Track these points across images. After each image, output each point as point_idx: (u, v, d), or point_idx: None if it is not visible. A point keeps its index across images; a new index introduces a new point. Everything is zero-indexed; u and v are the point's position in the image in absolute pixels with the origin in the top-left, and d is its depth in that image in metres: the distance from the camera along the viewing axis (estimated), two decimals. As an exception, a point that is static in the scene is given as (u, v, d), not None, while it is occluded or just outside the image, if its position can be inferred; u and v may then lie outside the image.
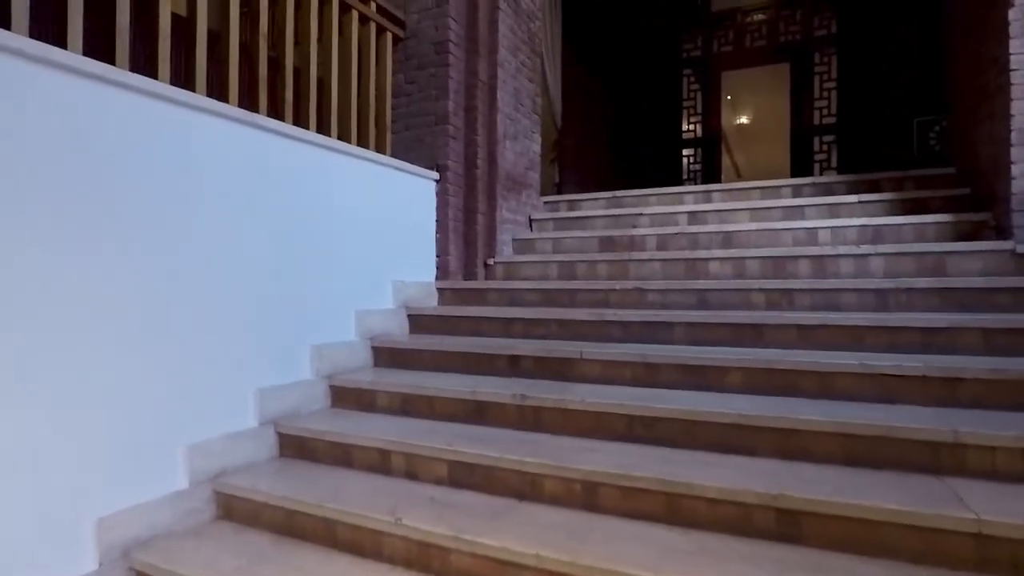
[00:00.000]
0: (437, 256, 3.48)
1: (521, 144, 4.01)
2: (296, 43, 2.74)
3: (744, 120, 9.22)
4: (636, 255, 3.37)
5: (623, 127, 7.21)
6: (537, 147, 4.32)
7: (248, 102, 2.45)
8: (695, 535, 1.63)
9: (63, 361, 1.67)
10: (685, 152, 7.14)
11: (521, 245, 3.93)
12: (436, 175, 3.39)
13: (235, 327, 2.21)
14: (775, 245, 3.22)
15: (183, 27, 2.21)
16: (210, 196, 2.12)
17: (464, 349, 2.71)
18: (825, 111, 6.26)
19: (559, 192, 5.93)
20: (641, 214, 3.89)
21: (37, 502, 1.60)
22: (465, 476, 2.00)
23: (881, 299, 2.51)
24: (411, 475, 2.10)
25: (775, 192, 3.85)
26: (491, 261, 3.68)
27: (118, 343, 1.81)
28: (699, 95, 7.06)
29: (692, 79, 7.09)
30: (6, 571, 1.52)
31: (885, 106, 5.74)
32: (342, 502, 1.87)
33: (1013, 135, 2.55)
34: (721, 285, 2.82)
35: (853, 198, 3.35)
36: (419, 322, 3.19)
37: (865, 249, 2.82)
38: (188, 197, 2.04)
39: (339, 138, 2.95)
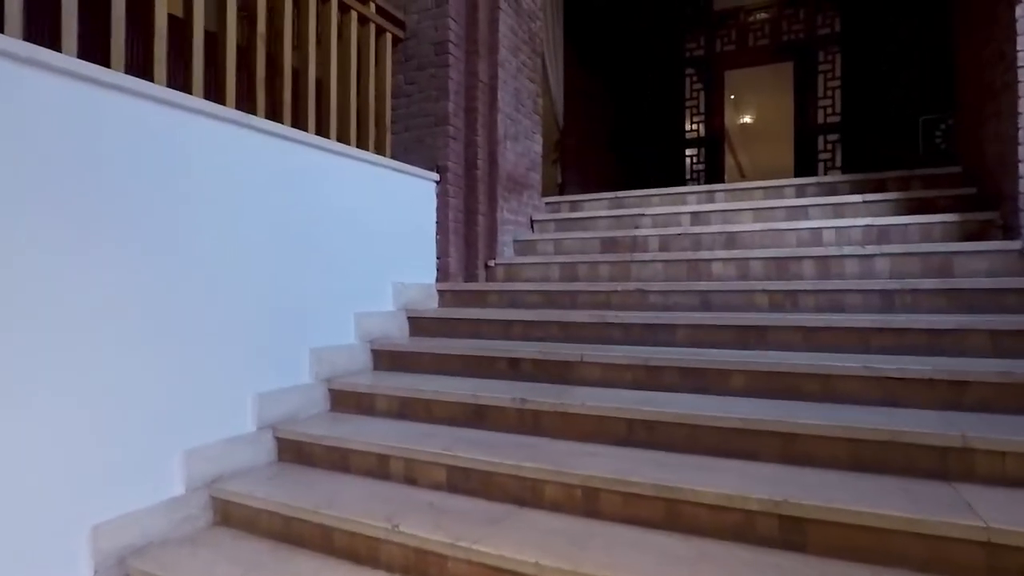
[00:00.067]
0: (437, 258, 3.45)
1: (522, 145, 3.99)
2: (295, 45, 2.72)
3: (748, 120, 9.16)
4: (638, 256, 3.33)
5: (626, 127, 7.18)
6: (538, 147, 4.30)
7: (246, 104, 2.44)
8: (697, 542, 1.60)
9: (57, 364, 1.65)
10: (688, 152, 7.10)
11: (522, 246, 3.91)
12: (436, 176, 3.37)
13: (233, 330, 2.20)
14: (779, 246, 3.18)
15: (180, 28, 2.20)
16: (206, 199, 2.10)
17: (464, 352, 2.69)
18: (829, 110, 6.21)
19: (562, 193, 5.90)
20: (643, 215, 3.86)
21: (31, 510, 1.58)
22: (464, 481, 1.98)
23: (887, 300, 2.48)
24: (409, 480, 2.08)
25: (778, 192, 3.81)
26: (492, 262, 3.65)
27: (114, 346, 1.80)
28: (702, 95, 7.02)
29: (695, 79, 7.05)
30: (-1, 579, 1.51)
31: (890, 104, 5.69)
32: (339, 508, 1.85)
33: (1021, 133, 2.51)
34: (724, 287, 2.78)
35: (858, 198, 3.31)
36: (419, 324, 3.17)
37: (870, 249, 2.78)
38: (184, 200, 2.03)
39: (338, 139, 2.94)
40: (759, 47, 6.71)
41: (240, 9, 2.44)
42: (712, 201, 3.96)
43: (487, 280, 3.64)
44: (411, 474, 2.07)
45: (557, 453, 1.97)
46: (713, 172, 7.01)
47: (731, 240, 3.32)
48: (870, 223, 3.02)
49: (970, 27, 3.28)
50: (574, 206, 4.41)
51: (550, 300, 3.17)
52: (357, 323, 2.84)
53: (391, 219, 3.10)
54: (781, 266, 2.94)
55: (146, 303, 1.89)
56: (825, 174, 6.14)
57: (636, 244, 3.57)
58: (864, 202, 3.29)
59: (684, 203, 4.01)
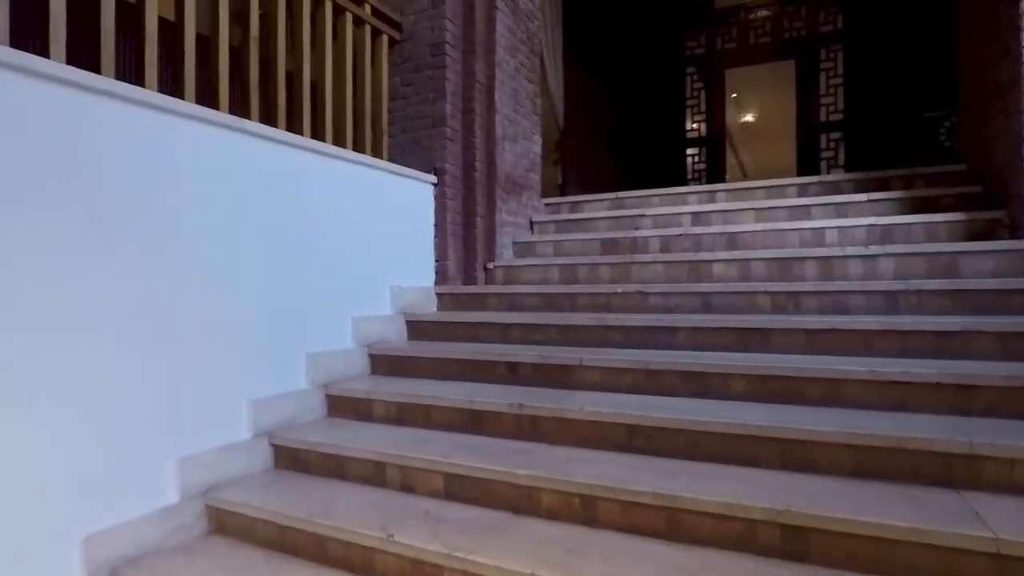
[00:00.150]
0: (436, 261, 3.43)
1: (521, 145, 3.96)
2: (289, 48, 2.69)
3: (749, 118, 9.11)
4: (639, 257, 3.30)
5: (626, 127, 7.14)
6: (538, 148, 4.26)
7: (240, 107, 2.41)
8: (698, 552, 1.56)
9: (48, 371, 1.63)
10: (689, 151, 7.05)
11: (522, 248, 3.88)
12: (434, 178, 3.35)
13: (228, 336, 2.17)
14: (781, 246, 3.14)
15: (172, 32, 2.17)
16: (199, 205, 2.08)
17: (462, 356, 2.66)
18: (832, 108, 6.16)
19: (562, 193, 5.87)
20: (644, 215, 3.82)
21: (20, 521, 1.56)
22: (460, 488, 1.95)
23: (891, 301, 2.43)
24: (406, 487, 2.05)
25: (780, 191, 3.76)
26: (491, 265, 3.62)
27: (106, 353, 1.77)
28: (703, 93, 6.98)
29: (696, 77, 7.00)
30: (-12, 592, 1.49)
31: (893, 102, 5.63)
32: (334, 517, 1.82)
33: (1027, 130, 2.47)
34: (725, 288, 2.75)
35: (861, 197, 3.27)
36: (417, 328, 3.14)
37: (874, 250, 2.74)
38: (176, 206, 2.00)
39: (335, 142, 2.91)
40: (760, 45, 6.66)
41: (233, 12, 2.41)
42: (713, 201, 3.92)
43: (486, 283, 3.61)
44: (408, 481, 2.05)
45: (555, 460, 1.94)
46: (715, 172, 6.96)
47: (732, 241, 3.28)
48: (873, 222, 2.97)
49: (973, 24, 3.23)
50: (574, 207, 4.38)
51: (550, 303, 3.14)
52: (355, 327, 2.81)
53: (388, 222, 3.07)
54: (783, 267, 2.90)
55: (138, 309, 1.87)
56: (828, 173, 6.08)
57: (636, 245, 3.53)
58: (867, 201, 3.24)
59: (685, 203, 3.98)
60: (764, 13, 6.63)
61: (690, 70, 7.01)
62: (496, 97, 3.53)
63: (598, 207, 4.27)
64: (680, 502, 1.61)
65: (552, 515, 1.80)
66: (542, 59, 4.90)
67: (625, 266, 3.29)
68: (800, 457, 1.76)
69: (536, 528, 1.74)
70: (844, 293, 2.52)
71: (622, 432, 2.02)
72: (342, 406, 2.57)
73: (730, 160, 9.13)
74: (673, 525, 1.64)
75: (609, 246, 3.62)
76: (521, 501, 1.84)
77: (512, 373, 2.54)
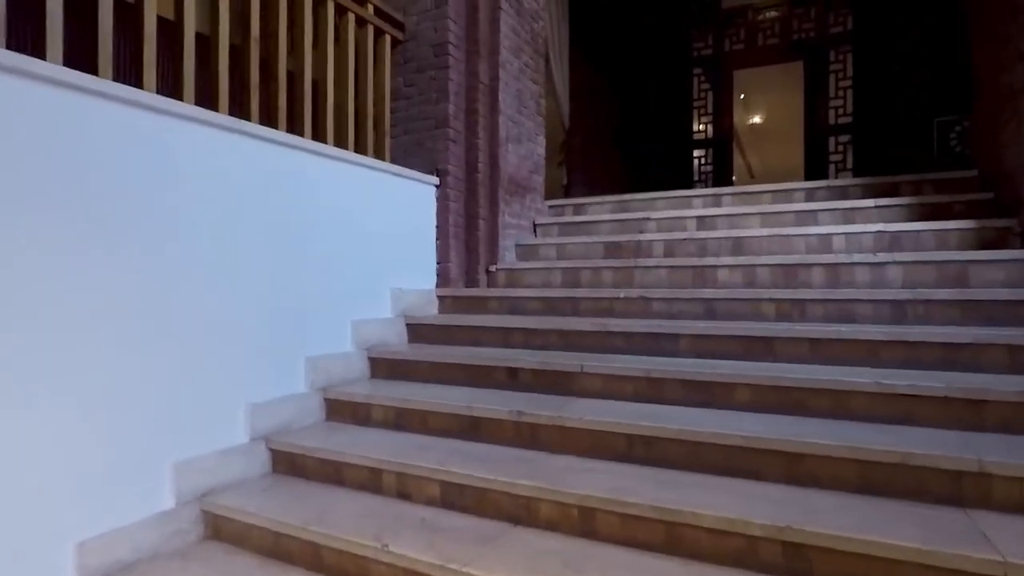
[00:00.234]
0: (438, 263, 3.40)
1: (525, 147, 3.93)
2: (291, 48, 2.67)
3: (757, 120, 9.04)
4: (642, 262, 3.26)
5: (633, 128, 7.09)
6: (541, 150, 4.23)
7: (240, 108, 2.40)
8: (696, 567, 1.53)
9: (43, 372, 1.62)
10: (696, 153, 7.00)
11: (524, 251, 3.85)
12: (436, 180, 3.32)
13: (227, 339, 2.16)
14: (787, 252, 3.10)
15: (171, 31, 2.16)
16: (198, 207, 2.06)
17: (462, 361, 2.64)
18: (841, 110, 6.09)
19: (567, 194, 5.84)
20: (648, 219, 3.78)
21: (11, 526, 1.55)
22: (457, 497, 1.92)
23: (899, 311, 2.39)
24: (403, 495, 2.03)
25: (787, 196, 3.71)
26: (493, 268, 3.60)
27: (103, 356, 1.76)
28: (710, 95, 6.92)
29: (703, 78, 6.94)
30: (-21, 598, 1.48)
31: (903, 105, 5.56)
32: (329, 525, 1.80)
33: (1042, 137, 2.42)
34: (730, 294, 2.71)
35: (869, 202, 3.22)
36: (418, 331, 3.12)
37: (882, 257, 2.69)
38: (174, 208, 1.99)
39: (336, 143, 2.89)
40: (769, 46, 6.59)
41: (234, 12, 2.39)
42: (719, 205, 3.87)
43: (488, 286, 3.58)
44: (404, 488, 2.02)
45: (554, 469, 1.91)
46: (721, 173, 6.90)
47: (738, 246, 3.24)
48: (882, 229, 2.92)
49: (987, 26, 3.17)
50: (578, 209, 4.34)
51: (551, 307, 3.11)
52: (354, 330, 2.79)
53: (390, 224, 3.05)
54: (789, 273, 2.86)
55: (135, 312, 1.85)
56: (836, 176, 6.01)
57: (640, 249, 3.50)
58: (876, 207, 3.19)
59: (690, 207, 3.93)
60: (773, 14, 6.57)
61: (697, 71, 6.95)
62: (500, 98, 3.50)
63: (602, 210, 4.23)
64: (680, 516, 1.58)
65: (550, 526, 1.77)
66: (547, 59, 4.87)
67: (628, 270, 3.26)
68: (803, 471, 1.72)
69: (533, 540, 1.71)
70: (851, 301, 2.47)
71: (622, 441, 1.99)
72: (341, 410, 2.56)
73: (737, 161, 9.06)
74: (672, 539, 1.61)
75: (612, 250, 3.58)
76: (519, 511, 1.82)
77: (512, 379, 2.51)
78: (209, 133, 2.11)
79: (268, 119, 2.53)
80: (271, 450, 2.30)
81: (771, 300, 2.62)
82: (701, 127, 7.01)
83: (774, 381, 2.04)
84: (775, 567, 1.47)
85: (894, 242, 2.89)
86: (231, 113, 2.33)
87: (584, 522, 1.72)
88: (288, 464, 2.27)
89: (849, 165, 6.01)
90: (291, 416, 2.40)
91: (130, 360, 1.84)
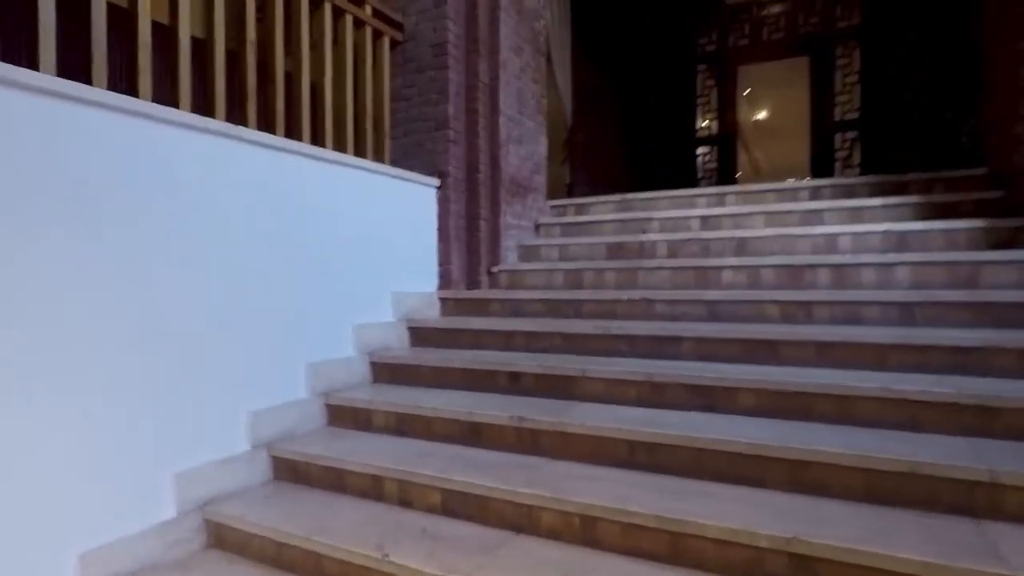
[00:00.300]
0: (439, 265, 3.38)
1: (526, 147, 3.90)
2: (288, 51, 2.65)
3: (762, 116, 8.94)
4: (645, 263, 3.23)
5: (636, 126, 7.04)
6: (543, 150, 4.20)
7: (237, 113, 2.38)
8: (701, 578, 1.51)
9: (42, 382, 1.61)
10: (700, 150, 6.94)
11: (526, 252, 3.82)
12: (437, 182, 3.30)
13: (227, 347, 2.15)
14: (792, 252, 3.06)
15: (166, 36, 2.14)
16: (196, 213, 2.05)
17: (464, 365, 2.62)
18: (847, 106, 6.02)
19: (570, 193, 5.80)
20: (651, 218, 3.74)
21: (15, 539, 1.54)
22: (459, 504, 1.91)
23: (907, 313, 2.35)
24: (404, 502, 2.01)
25: (792, 195, 3.66)
26: (495, 269, 3.57)
27: (103, 366, 1.75)
28: (714, 91, 6.85)
29: (707, 74, 6.88)
30: (-21, 611, 1.47)
31: (912, 101, 5.48)
32: (330, 535, 1.79)
33: (1055, 134, 2.36)
34: (733, 296, 2.67)
35: (876, 201, 3.17)
36: (420, 335, 3.10)
37: (890, 258, 2.64)
38: (172, 215, 1.97)
39: (335, 146, 2.87)
40: (774, 41, 6.52)
41: (229, 15, 2.37)
42: (723, 204, 3.83)
43: (490, 287, 3.56)
44: (406, 496, 2.01)
45: (555, 476, 1.89)
46: (725, 171, 6.84)
47: (742, 246, 3.20)
48: (889, 229, 2.87)
49: (1001, 19, 3.10)
50: (580, 209, 4.31)
51: (553, 309, 3.08)
52: (355, 335, 2.78)
53: (390, 227, 3.03)
54: (794, 275, 2.82)
55: (133, 320, 1.84)
56: (842, 173, 5.94)
57: (643, 250, 3.46)
58: (883, 206, 3.14)
59: (693, 206, 3.89)
60: (778, 8, 6.49)
61: (701, 67, 6.89)
62: (500, 98, 3.47)
63: (604, 209, 4.19)
64: (683, 526, 1.56)
65: (552, 535, 1.75)
66: (549, 58, 4.83)
67: (631, 272, 3.23)
68: (809, 479, 1.69)
69: (535, 549, 1.70)
70: (857, 303, 2.43)
71: (624, 448, 1.96)
72: (342, 416, 2.54)
73: (742, 158, 8.98)
74: (676, 549, 1.58)
75: (615, 250, 3.55)
76: (521, 520, 1.80)
77: (514, 383, 2.49)
78: (206, 140, 2.10)
79: (266, 123, 2.51)
80: (273, 457, 2.29)
81: (776, 302, 2.58)
82: (705, 124, 6.95)
83: (779, 386, 2.01)
84: (781, 579, 1.45)
85: (902, 242, 2.84)
86: (228, 118, 2.31)
87: (586, 531, 1.70)
88: (290, 471, 2.26)
89: (856, 162, 5.94)
90: (293, 423, 2.39)
91: (130, 370, 1.83)
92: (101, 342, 1.76)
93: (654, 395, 2.21)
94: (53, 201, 1.65)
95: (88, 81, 1.81)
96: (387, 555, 1.65)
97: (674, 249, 3.38)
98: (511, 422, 2.14)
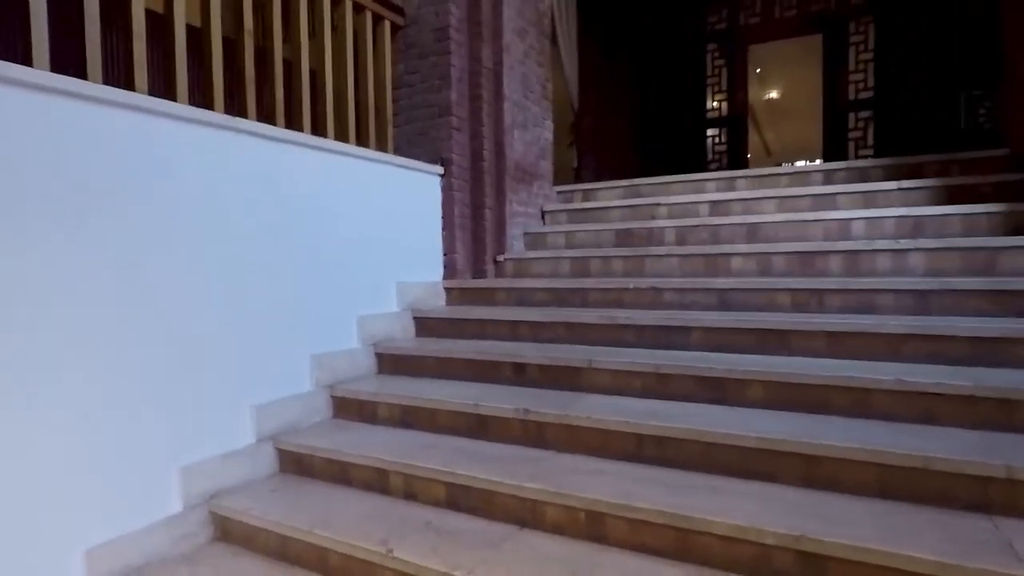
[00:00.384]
0: (444, 255, 3.35)
1: (531, 132, 3.82)
2: (286, 39, 2.59)
3: (774, 95, 8.75)
4: (653, 250, 3.18)
5: (644, 108, 6.90)
6: (549, 135, 4.12)
7: (236, 102, 2.34)
8: (709, 575, 1.49)
9: (47, 377, 1.60)
10: (710, 132, 6.79)
11: (533, 239, 3.77)
12: (440, 170, 3.25)
13: (230, 340, 2.14)
14: (804, 239, 2.99)
15: (162, 24, 2.09)
16: (194, 205, 2.02)
17: (469, 356, 2.59)
18: (861, 85, 5.84)
19: (578, 177, 5.72)
20: (659, 204, 3.68)
21: (23, 536, 1.55)
22: (464, 497, 1.90)
23: (922, 302, 2.28)
24: (409, 495, 2.01)
25: (804, 178, 3.58)
26: (501, 257, 3.53)
27: (103, 362, 1.74)
28: (724, 71, 6.68)
29: (716, 54, 6.71)
30: (-11, 607, 1.49)
31: (928, 79, 5.30)
32: (334, 528, 1.79)
33: (1080, 113, 2.26)
34: (743, 284, 2.62)
35: (891, 185, 3.07)
36: (425, 325, 3.08)
37: (904, 244, 2.57)
38: (172, 208, 1.95)
39: (337, 136, 2.83)
40: (786, 19, 6.32)
41: (225, 2, 2.32)
42: (733, 189, 3.75)
43: (496, 276, 3.52)
44: (411, 489, 2.00)
45: (561, 470, 1.87)
46: (736, 153, 6.70)
47: (752, 232, 3.13)
48: (904, 214, 2.79)
49: (1022, -8, 2.97)
50: (587, 195, 4.24)
51: (560, 298, 3.04)
52: (360, 326, 2.76)
53: (394, 217, 2.99)
54: (806, 262, 2.75)
55: (136, 314, 1.83)
56: (856, 154, 5.80)
57: (651, 237, 3.41)
58: (898, 190, 3.05)
59: (703, 191, 3.81)
60: (790, -16, 6.28)
61: (711, 46, 6.71)
62: (504, 83, 3.39)
63: (612, 195, 4.13)
64: (691, 523, 1.53)
65: (557, 529, 1.74)
66: (555, 39, 4.71)
67: (639, 259, 3.18)
68: (821, 474, 1.65)
69: (540, 544, 1.68)
70: (871, 292, 2.37)
71: (631, 441, 1.94)
72: (347, 407, 2.54)
73: (754, 139, 8.81)
74: (683, 545, 1.56)
75: (623, 237, 3.49)
76: (525, 514, 1.79)
77: (519, 374, 2.47)
78: (204, 132, 2.06)
79: (265, 113, 2.47)
80: (278, 450, 2.29)
81: (787, 290, 2.53)
82: (715, 104, 6.79)
83: (790, 378, 1.96)
84: (790, 576, 1.42)
85: (918, 227, 2.76)
86: (227, 109, 2.27)
87: (592, 526, 1.68)
88: (295, 464, 2.27)
89: (870, 142, 5.79)
90: (297, 415, 2.39)
91: (133, 365, 1.83)
92: (102, 338, 1.75)
93: (662, 386, 2.18)
94: (51, 200, 1.63)
95: (83, 75, 1.78)
96: (391, 550, 1.65)
97: (683, 236, 3.32)
98: (516, 414, 2.12)
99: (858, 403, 1.86)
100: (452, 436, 2.25)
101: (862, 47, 5.82)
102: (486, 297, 3.26)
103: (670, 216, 3.59)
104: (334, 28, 2.85)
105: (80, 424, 1.69)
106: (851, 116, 5.89)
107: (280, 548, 1.88)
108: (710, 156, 6.78)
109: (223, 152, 2.13)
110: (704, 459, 1.82)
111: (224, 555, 1.93)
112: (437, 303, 3.29)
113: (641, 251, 3.19)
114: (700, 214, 3.52)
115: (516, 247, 3.66)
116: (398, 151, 3.23)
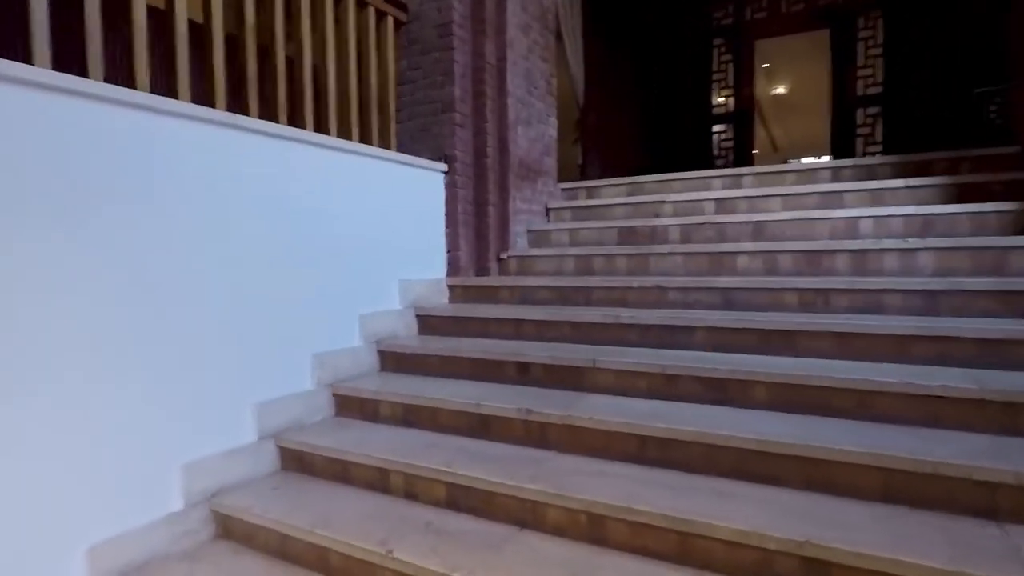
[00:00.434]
0: (447, 252, 3.33)
1: (535, 129, 3.80)
2: (288, 36, 2.57)
3: (781, 90, 8.66)
4: (657, 248, 3.15)
5: (650, 104, 6.84)
6: (553, 131, 4.09)
7: (238, 99, 2.33)
8: (710, 579, 1.48)
9: (48, 376, 1.60)
10: (716, 128, 6.73)
11: (536, 237, 3.75)
12: (444, 167, 3.23)
13: (232, 338, 2.13)
14: (810, 237, 2.95)
15: (162, 20, 2.08)
16: (196, 204, 2.02)
17: (472, 354, 2.58)
18: (870, 80, 5.76)
19: (583, 174, 5.69)
20: (664, 201, 3.65)
21: (25, 533, 1.55)
22: (464, 498, 1.89)
23: (930, 302, 2.25)
24: (410, 495, 2.00)
25: (811, 176, 3.53)
26: (504, 255, 3.52)
27: (104, 360, 1.74)
28: (731, 66, 6.62)
29: (723, 49, 6.63)
30: (-9, 605, 1.49)
31: (938, 75, 5.23)
32: (334, 528, 1.79)
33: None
34: (749, 283, 2.59)
35: (899, 182, 3.03)
36: (428, 323, 3.07)
37: (913, 243, 2.54)
38: (173, 206, 1.94)
39: (340, 133, 2.81)
40: (793, 13, 6.24)
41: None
42: (739, 186, 3.71)
43: (500, 273, 3.51)
44: (411, 489, 2.00)
45: (562, 471, 1.86)
46: (742, 149, 6.64)
47: (758, 230, 3.10)
48: (913, 212, 2.75)
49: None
50: (591, 192, 4.21)
51: (563, 297, 3.03)
52: (362, 324, 2.75)
53: (397, 214, 2.98)
54: (812, 260, 2.72)
55: (137, 312, 1.83)
56: (864, 151, 5.73)
57: (656, 234, 3.38)
58: (906, 187, 3.01)
59: (708, 188, 3.78)
60: (798, -22, 6.20)
61: (717, 41, 6.64)
62: (508, 79, 3.37)
63: (616, 192, 4.10)
64: (692, 527, 1.52)
65: (558, 531, 1.73)
66: (560, 35, 4.67)
67: (643, 257, 3.15)
68: (825, 478, 1.63)
69: (540, 545, 1.67)
70: (878, 291, 2.34)
71: (634, 442, 1.92)
72: (349, 406, 2.54)
73: (760, 134, 8.74)
74: (684, 549, 1.55)
75: (627, 235, 3.47)
76: (526, 515, 1.78)
77: (522, 374, 2.45)
78: (206, 130, 2.05)
79: (267, 110, 2.45)
80: (280, 448, 2.29)
81: (793, 289, 2.50)
82: (721, 100, 6.73)
83: (795, 379, 1.94)
84: (793, 582, 1.40)
85: (926, 226, 2.72)
86: (229, 105, 2.26)
87: (593, 528, 1.67)
88: (297, 462, 2.27)
89: (878, 139, 5.71)
90: (299, 413, 2.39)
91: (135, 363, 1.82)
92: (103, 336, 1.75)
93: (666, 387, 2.16)
94: (51, 198, 1.62)
95: (84, 73, 1.77)
96: (391, 551, 1.65)
97: (688, 233, 3.29)
98: (518, 414, 2.11)
99: (864, 405, 1.84)
100: (454, 435, 2.24)
101: (871, 42, 5.74)
102: (489, 295, 3.24)
103: (675, 214, 3.56)
104: (337, 23, 2.82)
105: (81, 422, 1.69)
106: (859, 112, 5.82)
107: (280, 547, 1.88)
108: (716, 152, 6.72)
109: (225, 150, 2.13)
110: (707, 462, 1.81)
111: (225, 553, 1.93)
112: (440, 301, 3.28)
113: (645, 249, 3.17)
114: (705, 212, 3.49)
115: (520, 244, 3.64)
116: (401, 148, 3.22)
